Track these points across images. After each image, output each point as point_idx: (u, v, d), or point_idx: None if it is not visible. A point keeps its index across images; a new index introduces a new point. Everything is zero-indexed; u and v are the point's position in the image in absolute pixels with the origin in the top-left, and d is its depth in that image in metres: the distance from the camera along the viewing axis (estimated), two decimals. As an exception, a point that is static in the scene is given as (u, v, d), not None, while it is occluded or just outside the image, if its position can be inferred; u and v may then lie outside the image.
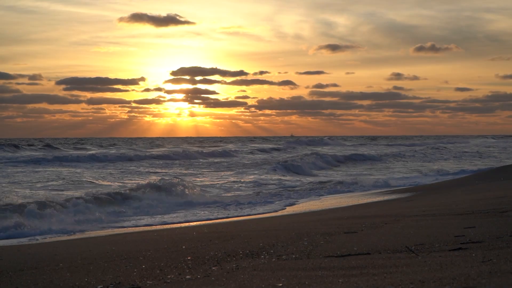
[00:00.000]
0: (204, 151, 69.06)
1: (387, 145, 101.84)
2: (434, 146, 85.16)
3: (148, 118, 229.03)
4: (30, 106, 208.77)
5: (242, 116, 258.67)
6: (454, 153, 67.21)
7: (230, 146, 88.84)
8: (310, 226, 11.20)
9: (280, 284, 5.80)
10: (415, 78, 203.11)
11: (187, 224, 15.80)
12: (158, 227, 15.42)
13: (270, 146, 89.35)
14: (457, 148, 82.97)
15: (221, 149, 72.43)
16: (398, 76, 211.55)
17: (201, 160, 57.56)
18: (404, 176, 35.17)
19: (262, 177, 33.96)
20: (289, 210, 18.72)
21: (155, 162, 52.30)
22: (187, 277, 6.64)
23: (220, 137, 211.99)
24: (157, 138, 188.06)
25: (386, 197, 20.75)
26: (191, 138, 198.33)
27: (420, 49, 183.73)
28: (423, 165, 47.85)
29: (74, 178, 32.25)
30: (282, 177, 34.65)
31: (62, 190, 25.29)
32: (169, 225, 15.66)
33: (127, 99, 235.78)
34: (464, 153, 68.25)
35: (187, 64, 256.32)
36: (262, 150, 76.62)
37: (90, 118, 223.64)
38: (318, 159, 47.89)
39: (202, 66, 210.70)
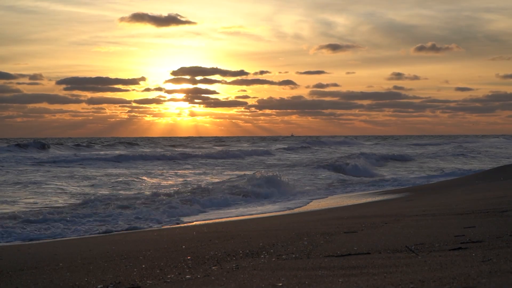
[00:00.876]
0: (249, 149, 70.09)
1: (411, 145, 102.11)
2: (457, 146, 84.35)
3: (148, 118, 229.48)
4: (31, 106, 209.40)
5: (242, 116, 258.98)
6: (486, 153, 66.18)
7: (247, 146, 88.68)
8: (310, 226, 11.20)
9: (280, 284, 5.80)
10: (416, 78, 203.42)
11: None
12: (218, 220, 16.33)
13: (290, 146, 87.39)
14: (479, 148, 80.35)
15: (253, 149, 72.27)
16: (398, 76, 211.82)
17: (251, 159, 58.33)
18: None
19: (324, 175, 34.38)
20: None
21: (214, 161, 53.16)
22: (187, 276, 6.64)
23: (227, 137, 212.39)
24: (158, 138, 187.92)
25: (386, 197, 20.75)
26: (200, 138, 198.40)
27: (420, 49, 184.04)
28: (465, 163, 48.05)
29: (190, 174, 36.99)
30: (345, 175, 34.95)
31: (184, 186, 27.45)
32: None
33: (128, 99, 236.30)
34: (499, 152, 67.67)
35: (188, 64, 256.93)
36: (292, 149, 77.14)
37: (91, 118, 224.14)
38: (367, 159, 47.46)
39: (203, 66, 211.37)
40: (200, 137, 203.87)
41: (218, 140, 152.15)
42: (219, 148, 79.69)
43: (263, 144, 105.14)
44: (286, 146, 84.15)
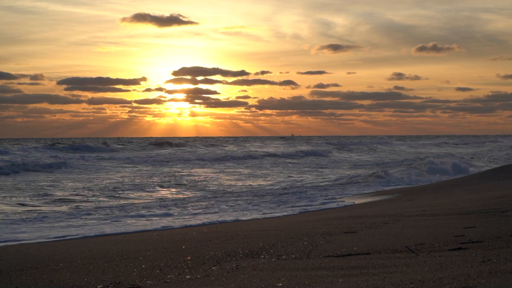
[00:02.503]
0: (310, 149, 70.01)
1: (456, 145, 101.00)
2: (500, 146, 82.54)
3: (148, 118, 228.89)
4: (31, 106, 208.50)
5: (243, 116, 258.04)
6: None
7: (282, 146, 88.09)
8: (310, 226, 11.21)
9: (280, 284, 5.81)
10: (416, 78, 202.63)
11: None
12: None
13: (330, 147, 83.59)
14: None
15: (312, 149, 70.90)
16: (399, 76, 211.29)
17: (327, 158, 58.68)
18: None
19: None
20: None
21: (304, 160, 54.70)
22: (187, 277, 6.64)
23: (237, 137, 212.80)
24: (160, 138, 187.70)
25: (386, 197, 20.75)
26: (211, 138, 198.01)
27: (421, 49, 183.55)
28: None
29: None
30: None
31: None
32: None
33: (128, 99, 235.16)
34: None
35: (189, 64, 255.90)
36: (344, 150, 76.35)
37: (91, 118, 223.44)
38: (461, 159, 45.33)
39: (204, 66, 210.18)
40: (213, 137, 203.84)
41: (235, 140, 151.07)
42: (273, 150, 78.11)
43: (288, 143, 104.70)
44: (327, 148, 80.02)
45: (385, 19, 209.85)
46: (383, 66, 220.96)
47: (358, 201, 20.26)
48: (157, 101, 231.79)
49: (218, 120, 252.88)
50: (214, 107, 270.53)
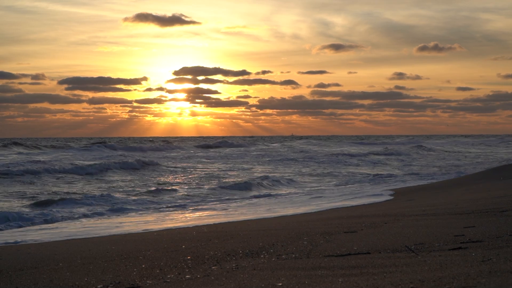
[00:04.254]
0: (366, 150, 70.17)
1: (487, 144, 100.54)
2: None
3: (149, 118, 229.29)
4: (32, 105, 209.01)
5: (243, 116, 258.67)
6: None
7: (327, 145, 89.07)
8: (310, 226, 11.21)
9: (280, 284, 5.81)
10: (417, 77, 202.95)
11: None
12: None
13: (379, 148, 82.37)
14: None
15: (372, 150, 70.50)
16: (400, 75, 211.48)
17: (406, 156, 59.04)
18: None
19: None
20: None
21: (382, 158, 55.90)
22: (187, 276, 6.64)
23: (248, 136, 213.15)
24: (160, 138, 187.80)
25: (386, 197, 20.75)
26: (230, 137, 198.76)
27: (422, 48, 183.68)
28: None
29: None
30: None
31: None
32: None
33: (129, 98, 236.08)
34: None
35: (190, 64, 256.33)
36: (422, 147, 76.56)
37: (91, 117, 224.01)
38: None
39: (205, 66, 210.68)
40: (230, 136, 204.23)
41: (259, 139, 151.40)
42: (328, 149, 77.67)
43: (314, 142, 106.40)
44: (376, 150, 75.69)
45: (384, 19, 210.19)
46: (384, 66, 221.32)
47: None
48: (158, 100, 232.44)
49: (218, 120, 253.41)
50: (215, 107, 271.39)
